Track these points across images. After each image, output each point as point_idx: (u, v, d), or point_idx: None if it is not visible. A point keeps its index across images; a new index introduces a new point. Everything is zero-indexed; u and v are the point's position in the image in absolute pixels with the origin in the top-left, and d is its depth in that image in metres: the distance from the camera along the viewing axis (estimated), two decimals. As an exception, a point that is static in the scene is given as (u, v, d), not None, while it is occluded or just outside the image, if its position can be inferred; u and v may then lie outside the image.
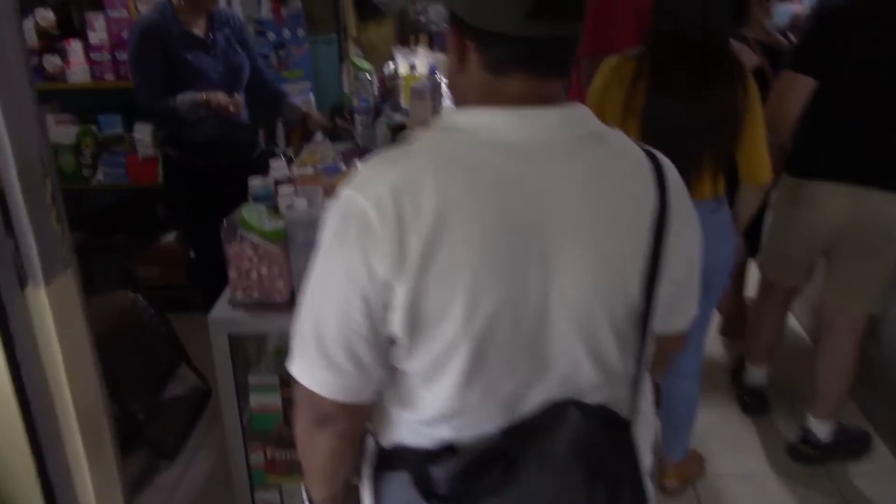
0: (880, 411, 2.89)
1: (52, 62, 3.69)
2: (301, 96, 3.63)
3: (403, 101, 3.42)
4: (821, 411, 2.67)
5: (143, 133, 3.72)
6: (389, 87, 3.50)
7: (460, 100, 1.06)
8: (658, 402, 2.31)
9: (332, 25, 4.24)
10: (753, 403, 2.99)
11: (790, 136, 2.43)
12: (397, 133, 2.97)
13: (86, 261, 3.90)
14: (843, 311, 2.55)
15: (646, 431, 1.16)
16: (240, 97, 2.97)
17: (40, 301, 1.03)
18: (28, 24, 3.67)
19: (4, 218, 1.01)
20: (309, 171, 2.30)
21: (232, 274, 1.93)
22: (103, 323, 2.89)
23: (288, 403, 2.01)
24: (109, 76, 3.72)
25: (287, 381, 1.99)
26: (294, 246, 1.89)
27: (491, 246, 0.93)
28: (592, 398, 1.04)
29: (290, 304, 1.94)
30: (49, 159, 1.14)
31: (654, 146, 1.09)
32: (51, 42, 3.70)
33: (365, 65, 3.55)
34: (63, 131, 3.81)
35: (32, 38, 3.67)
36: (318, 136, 2.97)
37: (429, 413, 1.04)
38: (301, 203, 1.95)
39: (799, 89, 2.32)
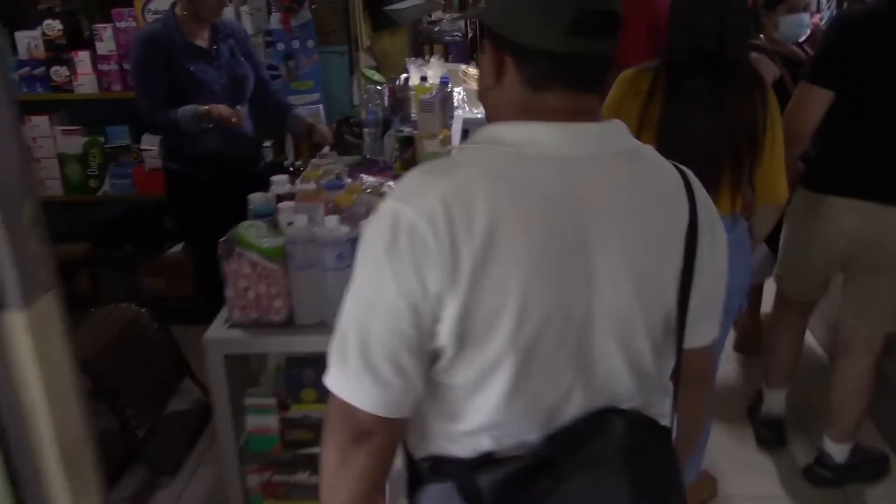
0: (899, 432, 2.82)
1: (59, 73, 3.70)
2: (310, 108, 3.60)
3: (414, 113, 3.38)
4: (837, 432, 2.60)
5: (150, 144, 3.70)
6: (399, 98, 3.45)
7: (494, 114, 1.07)
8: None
9: (343, 36, 4.22)
10: (771, 437, 2.87)
11: (808, 148, 2.38)
12: (405, 146, 2.92)
13: (92, 272, 3.92)
14: (860, 330, 2.49)
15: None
16: (243, 109, 2.94)
17: (19, 325, 0.98)
18: (36, 35, 3.69)
19: (-22, 240, 0.97)
20: (311, 186, 2.25)
21: (229, 293, 1.89)
22: (105, 336, 2.87)
23: (287, 424, 1.96)
24: (117, 87, 3.71)
25: (285, 403, 1.94)
26: (294, 264, 1.85)
27: (538, 258, 0.95)
28: (627, 406, 1.06)
29: (288, 324, 1.90)
30: (31, 178, 1.09)
31: (669, 159, 1.10)
32: (59, 52, 3.70)
33: (375, 76, 3.50)
34: (70, 142, 3.82)
35: (40, 49, 3.70)
36: (326, 148, 2.93)
37: (470, 425, 1.03)
38: (301, 220, 1.90)
39: (816, 102, 2.28)
